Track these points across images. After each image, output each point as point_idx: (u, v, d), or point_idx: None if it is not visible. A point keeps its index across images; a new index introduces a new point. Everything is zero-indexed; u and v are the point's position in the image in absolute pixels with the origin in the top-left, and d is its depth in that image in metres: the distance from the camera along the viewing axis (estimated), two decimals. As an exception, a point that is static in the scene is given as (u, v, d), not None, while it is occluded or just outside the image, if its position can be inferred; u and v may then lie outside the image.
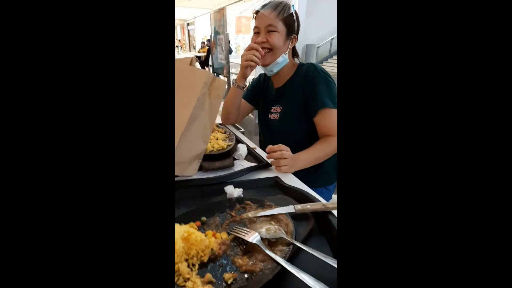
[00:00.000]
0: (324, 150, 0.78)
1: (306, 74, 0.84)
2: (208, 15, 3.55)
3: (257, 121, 2.92)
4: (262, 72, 1.02)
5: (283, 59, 0.85)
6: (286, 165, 0.67)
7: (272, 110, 0.92)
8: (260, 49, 0.81)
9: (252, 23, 0.90)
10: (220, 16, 2.89)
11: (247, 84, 0.98)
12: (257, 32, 0.86)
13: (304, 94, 0.83)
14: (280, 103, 0.91)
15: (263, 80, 1.03)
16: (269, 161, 0.70)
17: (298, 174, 0.68)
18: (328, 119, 0.80)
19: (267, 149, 0.69)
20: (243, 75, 0.87)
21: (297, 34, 0.87)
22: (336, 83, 0.82)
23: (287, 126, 0.88)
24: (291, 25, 0.83)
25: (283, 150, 0.68)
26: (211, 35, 3.24)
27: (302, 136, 0.86)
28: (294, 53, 0.92)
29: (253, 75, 1.15)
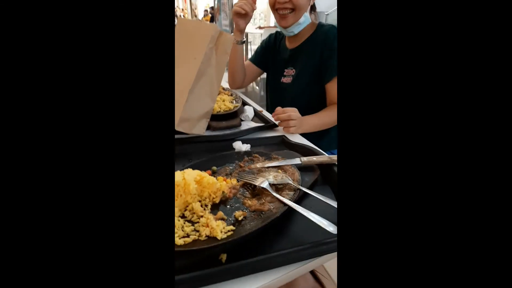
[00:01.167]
0: (332, 116, 0.78)
1: (326, 37, 0.79)
2: (211, -21, 3.35)
3: (262, 93, 2.88)
4: (273, 32, 0.97)
5: (305, 18, 0.79)
6: (294, 126, 0.68)
7: (285, 73, 0.89)
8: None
9: None
10: (223, -21, 2.73)
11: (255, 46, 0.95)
12: None
13: (321, 56, 0.79)
14: (294, 65, 0.87)
15: (273, 40, 0.97)
16: (276, 122, 0.71)
17: (304, 137, 0.69)
18: None
19: (275, 111, 0.70)
20: (237, 27, 0.84)
21: None
22: None
23: (299, 90, 0.85)
24: None
25: (290, 112, 0.68)
26: (214, 1, 3.09)
27: (312, 100, 0.85)
28: (312, 10, 0.85)
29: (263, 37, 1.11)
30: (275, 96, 0.97)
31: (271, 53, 0.97)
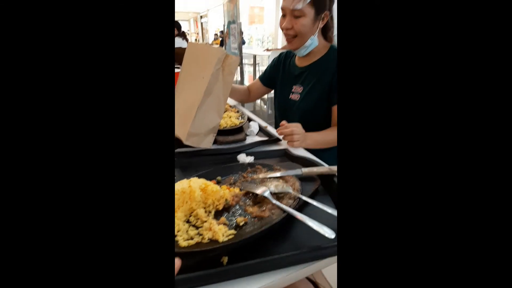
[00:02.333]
0: (335, 135, 0.78)
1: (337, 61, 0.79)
2: (221, 6, 3.58)
3: (270, 112, 2.94)
4: (283, 52, 1.00)
5: (312, 41, 0.80)
6: (298, 141, 0.69)
7: (293, 90, 0.89)
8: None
9: (266, 12, 0.85)
10: (232, 6, 2.91)
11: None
12: (283, 15, 0.79)
13: (330, 81, 0.80)
14: (303, 83, 0.86)
15: (283, 57, 0.99)
16: (280, 137, 0.73)
17: (306, 151, 0.71)
18: None
19: (280, 125, 0.72)
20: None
21: (330, 8, 0.78)
22: None
23: (306, 108, 0.85)
24: (320, 3, 0.75)
25: (293, 127, 0.70)
26: (224, 26, 3.27)
27: (319, 119, 0.85)
28: (324, 31, 0.84)
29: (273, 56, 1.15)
30: (283, 112, 0.98)
31: (281, 69, 0.99)
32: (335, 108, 0.81)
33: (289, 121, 0.84)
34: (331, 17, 0.83)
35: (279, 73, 0.99)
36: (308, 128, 0.76)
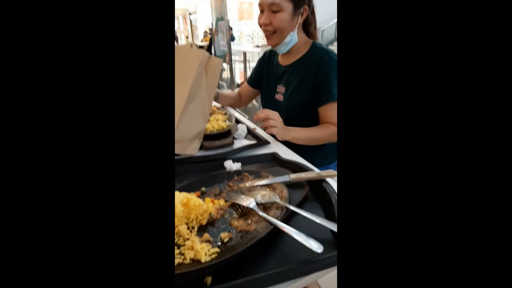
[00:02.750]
0: (320, 132, 0.77)
1: (320, 61, 0.77)
2: (209, 2, 3.51)
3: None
4: (267, 49, 0.97)
5: (291, 38, 0.78)
6: (275, 127, 0.67)
7: (277, 90, 0.88)
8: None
9: (255, 8, 0.83)
10: (220, 2, 2.86)
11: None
12: (261, 10, 0.77)
13: (314, 79, 0.78)
14: (286, 83, 0.86)
15: (267, 56, 0.97)
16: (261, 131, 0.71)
17: (298, 153, 0.70)
18: (335, 113, 0.76)
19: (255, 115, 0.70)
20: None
21: (309, 3, 0.77)
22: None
23: (291, 108, 0.83)
24: None
25: (268, 112, 0.68)
26: (212, 23, 3.21)
27: (305, 120, 0.83)
28: (306, 26, 0.82)
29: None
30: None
31: (265, 69, 0.97)
32: (322, 110, 0.79)
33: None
34: (312, 12, 0.81)
35: (264, 73, 0.97)
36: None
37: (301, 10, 0.76)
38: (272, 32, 0.77)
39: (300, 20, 0.77)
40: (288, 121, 0.76)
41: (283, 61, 0.89)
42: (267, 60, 0.97)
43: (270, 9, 0.74)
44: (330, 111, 0.78)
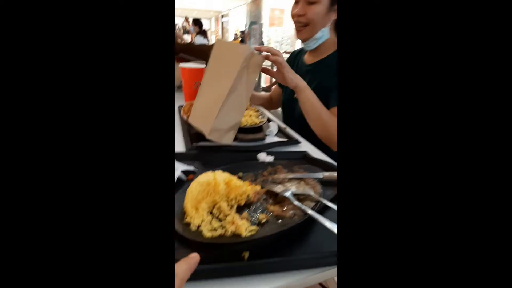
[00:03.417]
0: (330, 117, 0.70)
1: None
2: (243, 7, 3.60)
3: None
4: (296, 50, 0.96)
5: (322, 34, 0.75)
6: (282, 60, 0.65)
7: None
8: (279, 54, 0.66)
9: (286, 15, 0.80)
10: (255, 6, 2.93)
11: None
12: (296, 2, 0.75)
13: (331, 79, 0.74)
14: (307, 82, 0.80)
15: (295, 55, 0.95)
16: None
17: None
18: None
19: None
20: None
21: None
22: None
23: None
24: None
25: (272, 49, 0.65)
26: (246, 25, 3.29)
27: None
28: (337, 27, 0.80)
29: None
30: (287, 111, 0.92)
31: (293, 68, 0.94)
32: (332, 110, 0.74)
33: (291, 121, 0.79)
34: None
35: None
36: (308, 131, 0.73)
37: (336, 6, 0.73)
38: (304, 24, 0.74)
39: (335, 16, 0.74)
40: (303, 122, 0.74)
41: (308, 59, 0.86)
42: (294, 59, 0.95)
43: (306, 1, 0.72)
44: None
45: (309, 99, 0.70)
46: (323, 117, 0.70)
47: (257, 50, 0.67)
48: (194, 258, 0.26)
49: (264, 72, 0.72)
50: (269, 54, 0.66)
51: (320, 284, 0.55)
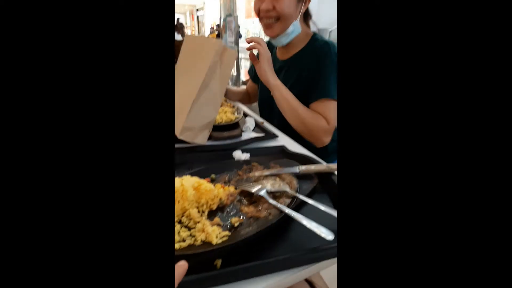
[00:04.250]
0: (307, 112, 0.68)
1: (318, 53, 0.70)
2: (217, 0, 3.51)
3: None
4: (267, 39, 0.91)
5: (294, 27, 0.71)
6: (261, 46, 0.65)
7: None
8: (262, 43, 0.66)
9: None
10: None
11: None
12: None
13: (309, 76, 0.72)
14: (283, 79, 0.76)
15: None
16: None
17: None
18: (327, 110, 0.68)
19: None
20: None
21: None
22: None
23: None
24: None
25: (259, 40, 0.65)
26: (220, 20, 3.21)
27: None
28: (306, 17, 0.75)
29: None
30: (265, 110, 0.88)
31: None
32: (314, 107, 0.72)
33: (271, 119, 0.77)
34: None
35: None
36: (290, 129, 0.72)
37: None
38: (275, 19, 0.70)
39: (303, 9, 0.71)
40: (283, 120, 0.72)
41: (281, 55, 0.83)
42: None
43: None
44: (321, 108, 0.69)
45: (283, 96, 0.69)
46: (300, 112, 0.69)
47: (248, 42, 0.66)
48: (182, 266, 0.24)
49: (250, 59, 0.70)
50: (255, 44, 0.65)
51: (306, 279, 0.54)
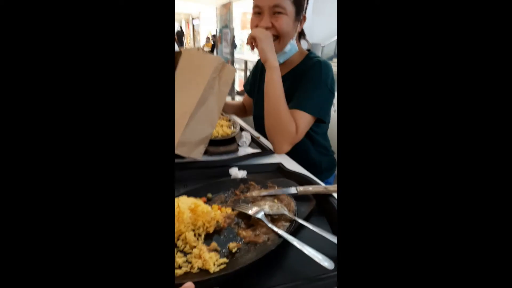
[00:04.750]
0: (286, 110, 0.68)
1: (308, 70, 0.71)
2: (214, 10, 3.56)
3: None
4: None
5: (291, 46, 0.71)
6: (254, 34, 0.65)
7: None
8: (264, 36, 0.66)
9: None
10: (226, 11, 2.90)
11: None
12: (257, 13, 0.69)
13: (296, 88, 0.72)
14: None
15: (261, 66, 0.88)
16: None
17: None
18: (300, 120, 0.68)
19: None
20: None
21: (305, 12, 0.70)
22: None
23: None
24: (301, 2, 0.68)
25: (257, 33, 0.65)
26: (216, 30, 3.25)
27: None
28: (299, 36, 0.76)
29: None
30: (258, 125, 0.87)
31: (258, 78, 0.88)
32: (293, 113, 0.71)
33: (264, 133, 0.76)
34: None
35: (256, 82, 0.90)
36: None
37: (301, 17, 0.71)
38: (274, 37, 0.69)
39: (299, 28, 0.72)
40: None
41: None
42: (260, 69, 0.88)
43: (271, 12, 0.67)
44: (295, 116, 0.69)
45: (274, 80, 0.67)
46: (281, 105, 0.67)
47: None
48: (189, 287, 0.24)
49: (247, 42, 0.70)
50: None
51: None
